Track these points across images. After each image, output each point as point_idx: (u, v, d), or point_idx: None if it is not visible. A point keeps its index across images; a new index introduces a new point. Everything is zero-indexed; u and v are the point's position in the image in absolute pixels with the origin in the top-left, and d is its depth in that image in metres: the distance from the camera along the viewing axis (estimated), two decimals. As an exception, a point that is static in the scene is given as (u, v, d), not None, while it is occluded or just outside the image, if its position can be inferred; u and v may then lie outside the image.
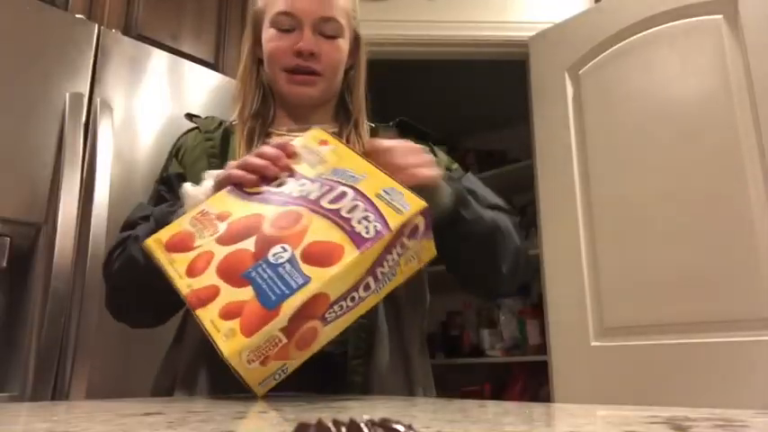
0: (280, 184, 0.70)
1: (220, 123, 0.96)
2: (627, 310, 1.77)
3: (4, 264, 1.40)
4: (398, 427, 0.23)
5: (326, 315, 0.60)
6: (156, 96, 1.71)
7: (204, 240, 0.66)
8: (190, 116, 1.00)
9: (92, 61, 1.59)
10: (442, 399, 0.59)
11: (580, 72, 2.02)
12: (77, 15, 1.67)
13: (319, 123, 0.93)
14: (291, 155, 0.73)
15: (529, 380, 2.83)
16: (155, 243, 0.69)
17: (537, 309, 2.70)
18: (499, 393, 2.90)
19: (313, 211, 0.65)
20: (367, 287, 0.62)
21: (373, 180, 0.67)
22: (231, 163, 0.74)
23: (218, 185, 0.73)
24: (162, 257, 0.67)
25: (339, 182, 0.68)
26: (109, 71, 1.62)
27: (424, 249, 0.67)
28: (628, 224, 1.80)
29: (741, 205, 1.61)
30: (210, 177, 0.76)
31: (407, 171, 0.70)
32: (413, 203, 0.63)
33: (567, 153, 2.00)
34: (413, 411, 0.48)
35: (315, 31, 0.89)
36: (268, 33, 0.91)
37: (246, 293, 0.59)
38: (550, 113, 2.09)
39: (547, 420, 0.44)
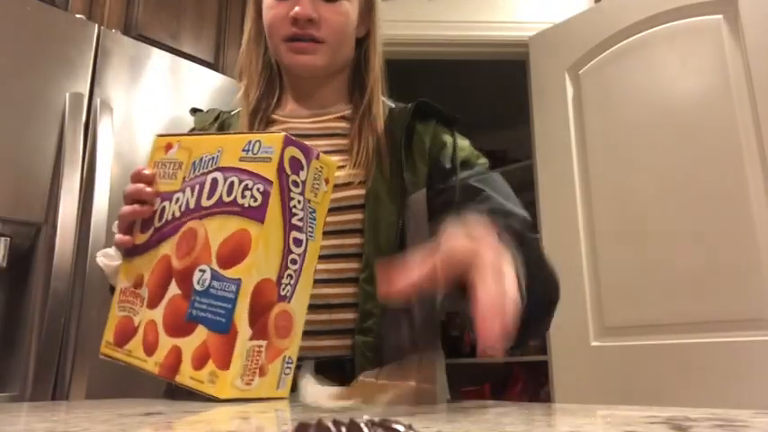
0: (160, 216, 0.65)
1: (218, 116, 0.89)
2: (627, 310, 1.77)
3: (4, 264, 1.40)
4: (398, 427, 0.23)
5: (282, 293, 0.58)
6: (156, 96, 1.71)
7: (139, 315, 0.63)
8: (194, 111, 0.94)
9: (92, 61, 1.59)
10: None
11: (580, 72, 2.02)
12: (77, 15, 1.67)
13: (331, 100, 0.88)
14: (150, 180, 0.67)
15: (529, 380, 2.83)
16: (107, 348, 0.66)
17: (537, 309, 2.69)
18: (499, 393, 2.90)
19: (201, 217, 0.60)
20: (297, 242, 0.59)
21: (230, 148, 0.62)
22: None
23: (121, 253, 0.69)
24: (121, 356, 0.64)
25: (203, 173, 0.63)
26: (109, 71, 1.62)
27: (325, 168, 0.62)
28: (628, 224, 1.80)
29: (741, 205, 1.61)
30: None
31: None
32: (274, 142, 0.58)
33: (567, 153, 2.00)
34: (412, 411, 0.48)
35: None
36: (267, 2, 0.84)
37: (201, 333, 0.56)
38: (550, 113, 2.09)
39: (547, 420, 0.44)
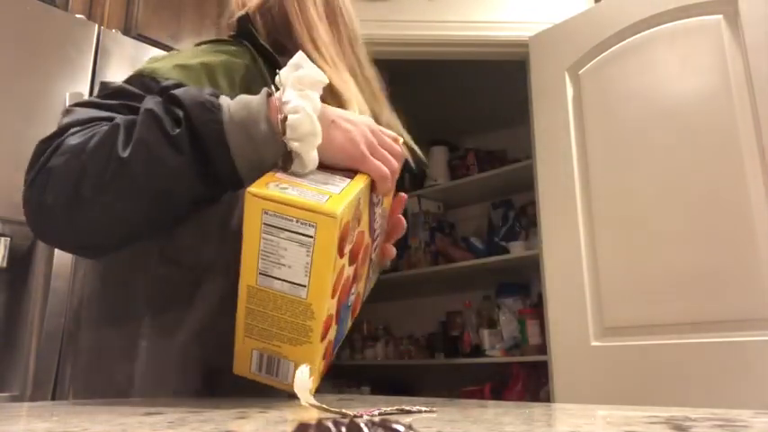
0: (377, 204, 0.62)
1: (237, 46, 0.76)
2: (627, 310, 1.77)
3: (4, 264, 1.40)
4: (398, 427, 0.23)
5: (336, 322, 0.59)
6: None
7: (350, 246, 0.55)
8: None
9: (92, 61, 1.59)
10: (442, 399, 0.59)
11: (580, 72, 2.02)
12: (77, 15, 1.67)
13: None
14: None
15: (529, 380, 2.83)
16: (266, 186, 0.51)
17: (537, 309, 2.70)
18: (499, 393, 2.90)
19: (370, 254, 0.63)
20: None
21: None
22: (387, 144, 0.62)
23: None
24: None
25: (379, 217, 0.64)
26: (109, 71, 1.62)
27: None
28: (628, 224, 1.80)
29: (741, 205, 1.61)
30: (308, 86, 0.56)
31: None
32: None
33: (567, 153, 2.00)
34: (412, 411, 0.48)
35: None
36: None
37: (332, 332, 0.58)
38: (550, 113, 2.09)
39: (547, 420, 0.44)
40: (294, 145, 0.54)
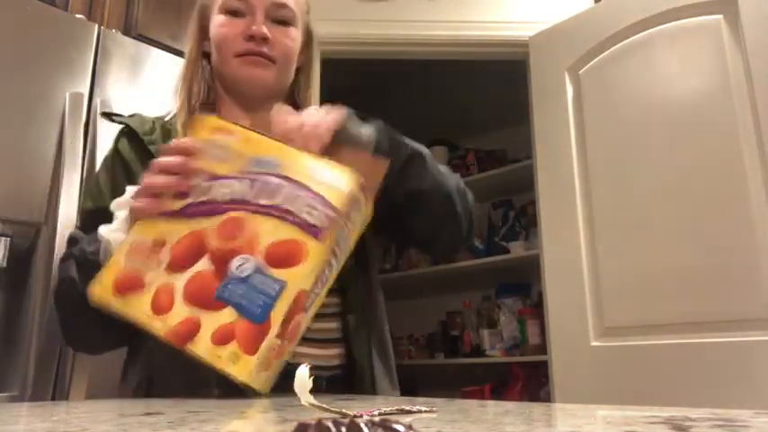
0: (203, 192, 0.66)
1: (153, 122, 0.89)
2: (627, 310, 1.77)
3: (4, 264, 1.40)
4: (398, 427, 0.23)
5: (306, 306, 0.62)
6: (156, 96, 1.71)
7: (152, 273, 0.63)
8: (108, 116, 0.94)
9: (92, 61, 1.59)
10: (442, 399, 0.59)
11: (580, 72, 2.02)
12: (77, 15, 1.67)
13: (269, 120, 0.91)
14: (193, 153, 0.68)
15: (529, 380, 2.83)
16: (102, 291, 0.65)
17: (537, 309, 2.70)
18: (499, 393, 2.90)
19: (254, 211, 0.63)
20: (330, 266, 0.64)
21: (294, 161, 0.65)
22: (130, 190, 0.70)
23: (132, 218, 0.69)
24: (116, 303, 0.64)
25: (267, 173, 0.65)
26: (109, 71, 1.62)
27: (361, 197, 0.66)
28: (628, 224, 1.80)
29: (741, 205, 1.61)
30: (120, 207, 0.71)
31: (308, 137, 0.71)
32: (348, 178, 0.64)
33: (567, 153, 2.00)
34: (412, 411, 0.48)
35: (267, 17, 0.86)
36: (218, 20, 0.87)
37: (229, 315, 0.59)
38: (550, 113, 2.09)
39: (547, 420, 0.44)
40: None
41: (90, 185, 0.91)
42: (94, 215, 0.82)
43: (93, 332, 0.79)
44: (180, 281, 0.62)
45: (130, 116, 0.90)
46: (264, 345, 0.57)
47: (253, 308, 0.58)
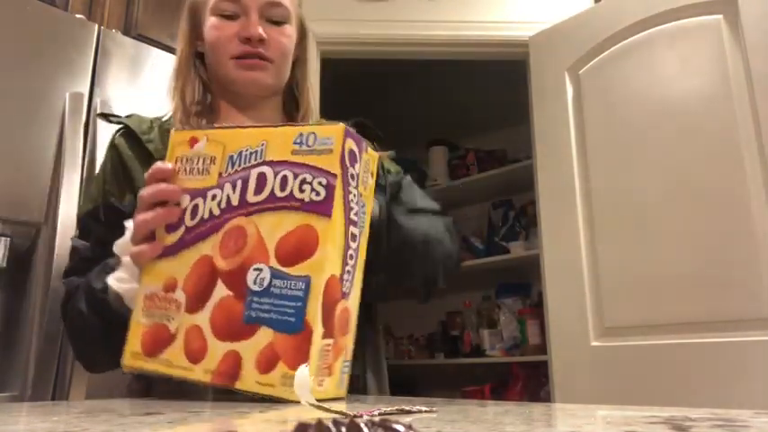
0: (193, 214, 0.61)
1: (151, 122, 0.87)
2: (627, 310, 1.77)
3: (4, 264, 1.40)
4: (398, 427, 0.23)
5: (344, 290, 0.56)
6: (156, 96, 1.71)
7: (177, 320, 0.59)
8: (105, 116, 0.91)
9: (92, 61, 1.59)
10: (442, 399, 0.59)
11: (580, 72, 2.02)
12: (77, 15, 1.67)
13: (268, 117, 0.89)
14: (171, 176, 0.63)
15: (529, 380, 2.83)
16: (134, 359, 0.60)
17: (537, 309, 2.70)
18: (499, 393, 2.90)
19: (248, 213, 0.57)
20: (354, 237, 0.58)
21: (277, 141, 0.59)
22: (129, 227, 0.67)
23: (136, 264, 0.65)
24: (155, 367, 0.59)
25: (245, 168, 0.59)
26: (109, 71, 1.62)
27: (371, 161, 0.61)
28: (628, 224, 1.80)
29: (741, 205, 1.61)
30: (123, 251, 0.68)
31: None
32: (333, 133, 0.56)
33: (566, 153, 2.00)
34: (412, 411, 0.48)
35: (261, 17, 0.85)
36: (211, 21, 0.86)
37: (264, 335, 0.54)
38: (550, 113, 2.09)
39: (547, 420, 0.44)
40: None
41: (89, 189, 0.90)
42: (94, 216, 0.81)
43: (110, 359, 0.76)
44: (204, 317, 0.57)
45: (127, 116, 0.89)
46: (314, 351, 0.52)
47: (285, 318, 0.53)
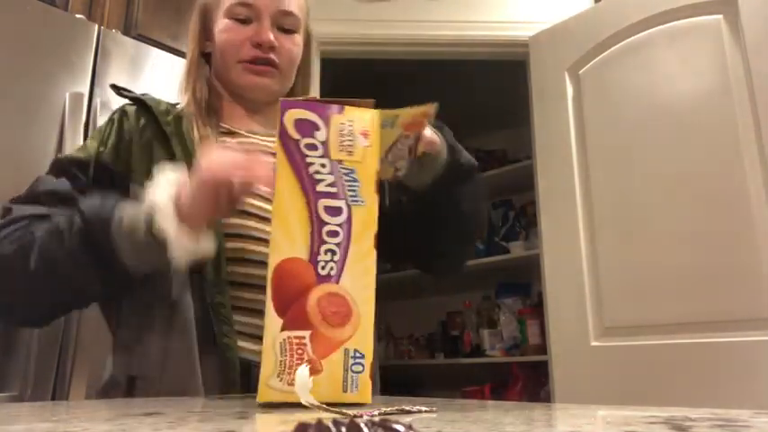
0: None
1: (168, 107, 0.87)
2: (627, 310, 1.77)
3: (4, 264, 1.40)
4: (398, 427, 0.23)
5: (322, 273, 0.50)
6: (155, 96, 1.71)
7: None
8: (117, 89, 0.90)
9: (92, 61, 1.59)
10: (442, 399, 0.59)
11: (580, 72, 2.02)
12: (77, 15, 1.67)
13: (270, 121, 0.90)
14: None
15: (529, 380, 2.83)
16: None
17: (537, 309, 2.70)
18: (499, 393, 2.90)
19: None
20: (333, 211, 0.52)
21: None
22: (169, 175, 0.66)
23: (203, 188, 0.63)
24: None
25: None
26: (109, 71, 1.62)
27: (357, 121, 0.54)
28: (628, 224, 1.80)
29: (741, 205, 1.61)
30: (166, 181, 0.66)
31: None
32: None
33: (567, 153, 2.00)
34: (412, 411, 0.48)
35: (273, 24, 0.86)
36: (223, 24, 0.87)
37: None
38: (550, 113, 2.09)
39: (547, 420, 0.44)
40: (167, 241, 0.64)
41: (84, 143, 0.87)
42: (82, 167, 0.79)
43: (61, 294, 0.73)
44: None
45: (143, 95, 0.89)
46: (266, 346, 0.49)
47: None
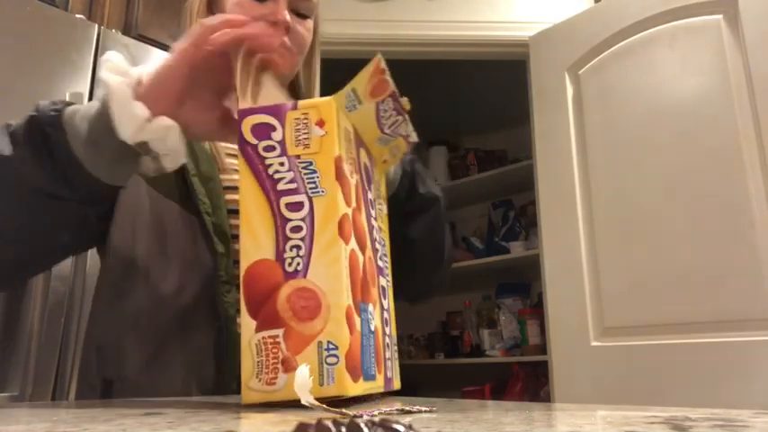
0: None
1: None
2: (627, 310, 1.77)
3: (4, 264, 1.40)
4: (398, 427, 0.23)
5: (289, 270, 0.50)
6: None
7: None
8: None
9: (92, 61, 1.59)
10: (442, 399, 0.59)
11: (580, 72, 2.02)
12: (77, 15, 1.67)
13: None
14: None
15: (529, 380, 2.83)
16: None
17: (537, 309, 2.70)
18: (499, 393, 2.90)
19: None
20: (295, 206, 0.52)
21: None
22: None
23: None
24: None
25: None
26: (109, 71, 1.62)
27: (312, 111, 0.53)
28: (628, 224, 1.80)
29: (741, 205, 1.61)
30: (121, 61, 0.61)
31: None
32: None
33: (567, 153, 2.00)
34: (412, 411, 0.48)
35: (289, 6, 0.83)
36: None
37: None
38: (550, 113, 2.09)
39: (547, 420, 0.43)
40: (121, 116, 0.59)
41: None
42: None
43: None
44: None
45: None
46: (243, 348, 0.49)
47: None
